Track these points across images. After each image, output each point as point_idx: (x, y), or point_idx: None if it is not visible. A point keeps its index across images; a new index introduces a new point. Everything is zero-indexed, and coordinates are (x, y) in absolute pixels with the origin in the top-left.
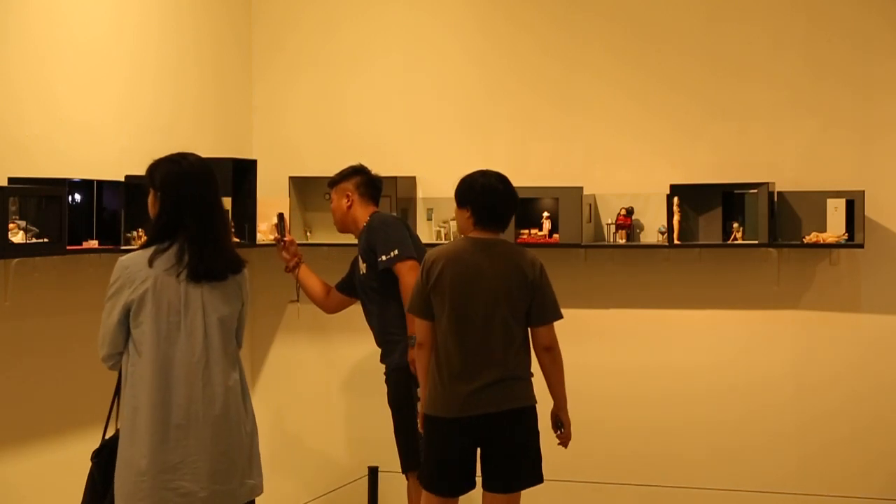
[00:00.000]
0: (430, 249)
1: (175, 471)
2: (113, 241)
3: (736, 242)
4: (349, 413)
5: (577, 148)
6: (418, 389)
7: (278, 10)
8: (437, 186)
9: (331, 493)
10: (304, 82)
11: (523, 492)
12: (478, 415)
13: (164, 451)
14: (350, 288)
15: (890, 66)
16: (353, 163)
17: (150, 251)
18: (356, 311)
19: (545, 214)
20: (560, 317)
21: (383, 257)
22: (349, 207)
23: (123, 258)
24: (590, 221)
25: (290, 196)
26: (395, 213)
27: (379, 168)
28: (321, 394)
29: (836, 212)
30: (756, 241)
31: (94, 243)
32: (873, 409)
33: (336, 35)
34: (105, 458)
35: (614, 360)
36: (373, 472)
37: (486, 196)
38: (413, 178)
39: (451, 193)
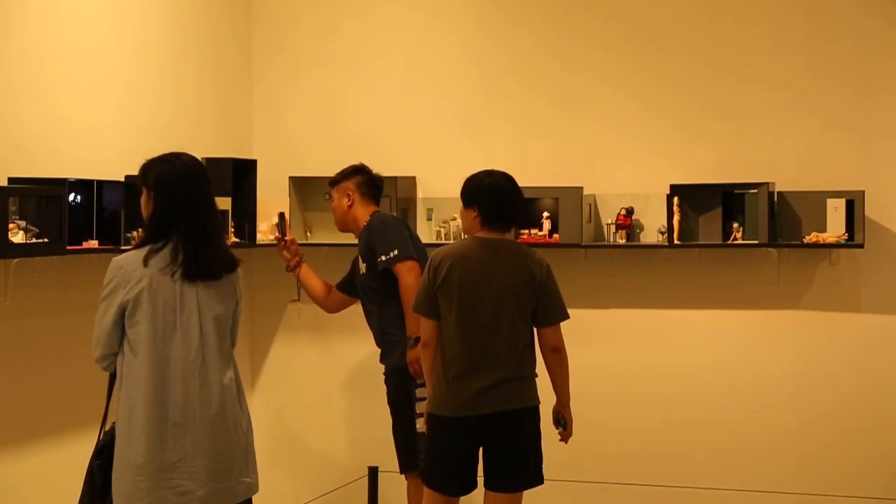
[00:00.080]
0: (436, 249)
1: (173, 469)
2: (113, 241)
3: (736, 242)
4: (349, 413)
5: (577, 148)
6: (418, 390)
7: (278, 10)
8: (437, 186)
9: (331, 493)
10: (304, 82)
11: (524, 492)
12: (483, 414)
13: (162, 451)
14: (351, 287)
15: (890, 66)
16: (354, 162)
17: (144, 251)
18: (356, 310)
19: (545, 214)
20: (567, 317)
21: (383, 257)
22: (350, 207)
23: (118, 258)
24: (590, 221)
25: (290, 196)
26: (395, 213)
27: (379, 168)
28: (321, 394)
29: (836, 212)
30: (756, 241)
31: (94, 243)
32: (873, 409)
33: (336, 35)
34: (106, 458)
35: (614, 360)
36: (373, 472)
37: (493, 196)
38: (413, 178)
39: (452, 193)
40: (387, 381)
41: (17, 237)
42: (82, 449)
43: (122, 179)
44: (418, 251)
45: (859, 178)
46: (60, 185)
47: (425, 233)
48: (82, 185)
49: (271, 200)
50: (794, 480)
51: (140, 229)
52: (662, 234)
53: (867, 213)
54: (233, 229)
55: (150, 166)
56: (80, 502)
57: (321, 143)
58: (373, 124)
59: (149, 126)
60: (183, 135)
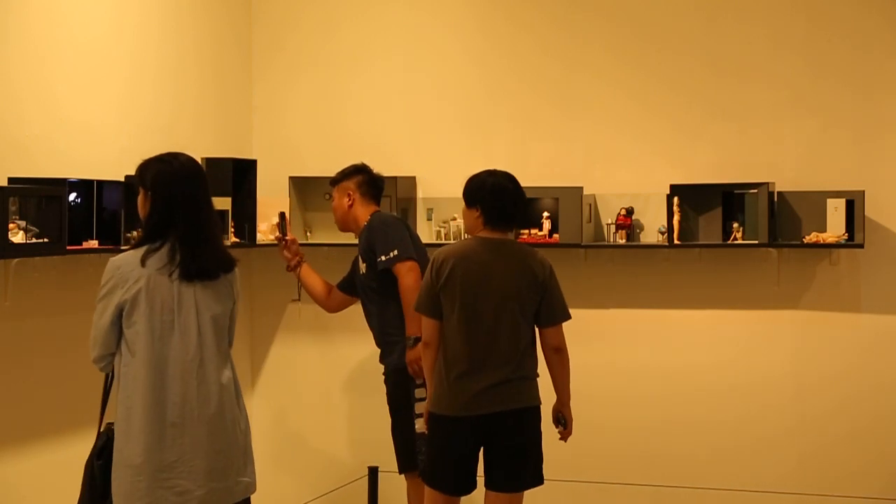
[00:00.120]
0: (438, 248)
1: (171, 469)
2: (113, 241)
3: (736, 242)
4: (350, 413)
5: (577, 148)
6: (417, 390)
7: (278, 10)
8: (437, 186)
9: (331, 492)
10: (304, 82)
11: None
12: (484, 414)
13: (160, 450)
14: (351, 287)
15: (890, 66)
16: (354, 162)
17: (141, 251)
18: (357, 310)
19: (545, 214)
20: (568, 317)
21: (382, 257)
22: (350, 206)
23: (115, 258)
24: (590, 221)
25: (290, 196)
26: (395, 213)
27: (379, 168)
28: (322, 394)
29: (836, 212)
30: (756, 241)
31: (94, 243)
32: (873, 409)
33: (336, 35)
34: (107, 458)
35: (614, 360)
36: (373, 472)
37: (496, 196)
38: (413, 178)
39: (452, 193)
40: (386, 382)
41: (17, 237)
42: (82, 449)
43: (122, 179)
44: (418, 251)
45: (859, 178)
46: (60, 185)
47: (425, 233)
48: (82, 185)
49: (271, 200)
50: (793, 480)
51: (139, 229)
52: (662, 234)
53: (867, 213)
54: (233, 229)
55: (147, 166)
56: (80, 502)
57: (321, 143)
58: (373, 124)
59: (149, 126)
60: (183, 135)
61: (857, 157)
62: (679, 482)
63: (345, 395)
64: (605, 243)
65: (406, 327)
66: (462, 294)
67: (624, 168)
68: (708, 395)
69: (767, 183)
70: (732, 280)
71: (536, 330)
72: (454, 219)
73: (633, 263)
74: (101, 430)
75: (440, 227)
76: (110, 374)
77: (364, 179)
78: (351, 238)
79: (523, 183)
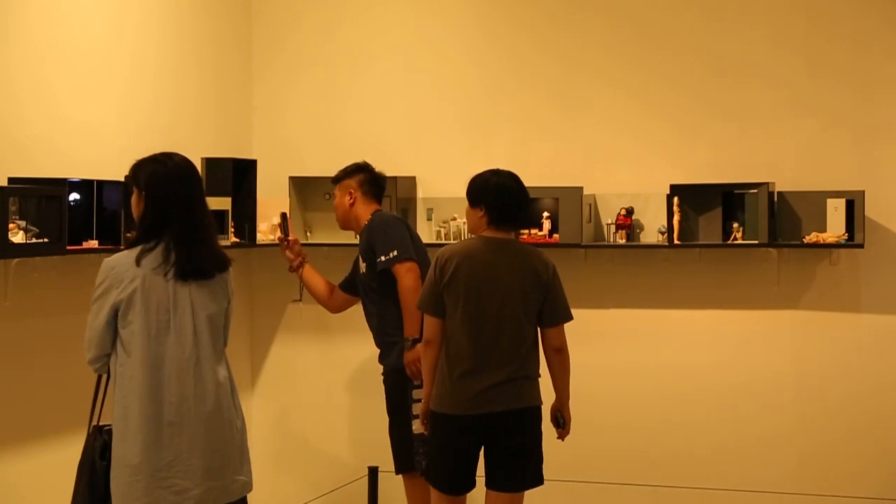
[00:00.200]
0: (442, 247)
1: (168, 468)
2: (113, 241)
3: (736, 242)
4: (350, 413)
5: (577, 148)
6: (415, 391)
7: (278, 10)
8: (437, 186)
9: (331, 492)
10: (304, 82)
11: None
12: (485, 413)
13: (158, 450)
14: (354, 287)
15: (890, 66)
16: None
17: (136, 251)
18: (357, 311)
19: (545, 214)
20: (570, 318)
21: (382, 258)
22: (352, 205)
23: (109, 259)
24: (590, 221)
25: (290, 196)
26: (396, 213)
27: (379, 168)
28: (322, 394)
29: (836, 212)
30: (756, 241)
31: (94, 243)
32: (873, 409)
33: (336, 35)
34: (109, 458)
35: (614, 360)
36: (373, 472)
37: (500, 195)
38: (413, 178)
39: (452, 193)
40: (385, 382)
41: (17, 237)
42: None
43: (122, 179)
44: (419, 252)
45: (859, 178)
46: (60, 185)
47: (425, 233)
48: (82, 185)
49: (271, 200)
50: (793, 480)
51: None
52: (662, 234)
53: (867, 213)
54: (233, 229)
55: (141, 166)
56: (74, 500)
57: (321, 143)
58: (373, 124)
59: (149, 126)
60: (183, 135)
61: (857, 157)
62: (679, 482)
63: (345, 396)
64: (605, 243)
65: (405, 328)
66: (466, 293)
67: (624, 168)
68: (708, 395)
69: (767, 183)
70: (732, 280)
71: (538, 330)
72: (454, 219)
73: (633, 263)
74: (90, 430)
75: (440, 227)
76: (104, 375)
77: (366, 178)
78: (351, 238)
79: (524, 183)
